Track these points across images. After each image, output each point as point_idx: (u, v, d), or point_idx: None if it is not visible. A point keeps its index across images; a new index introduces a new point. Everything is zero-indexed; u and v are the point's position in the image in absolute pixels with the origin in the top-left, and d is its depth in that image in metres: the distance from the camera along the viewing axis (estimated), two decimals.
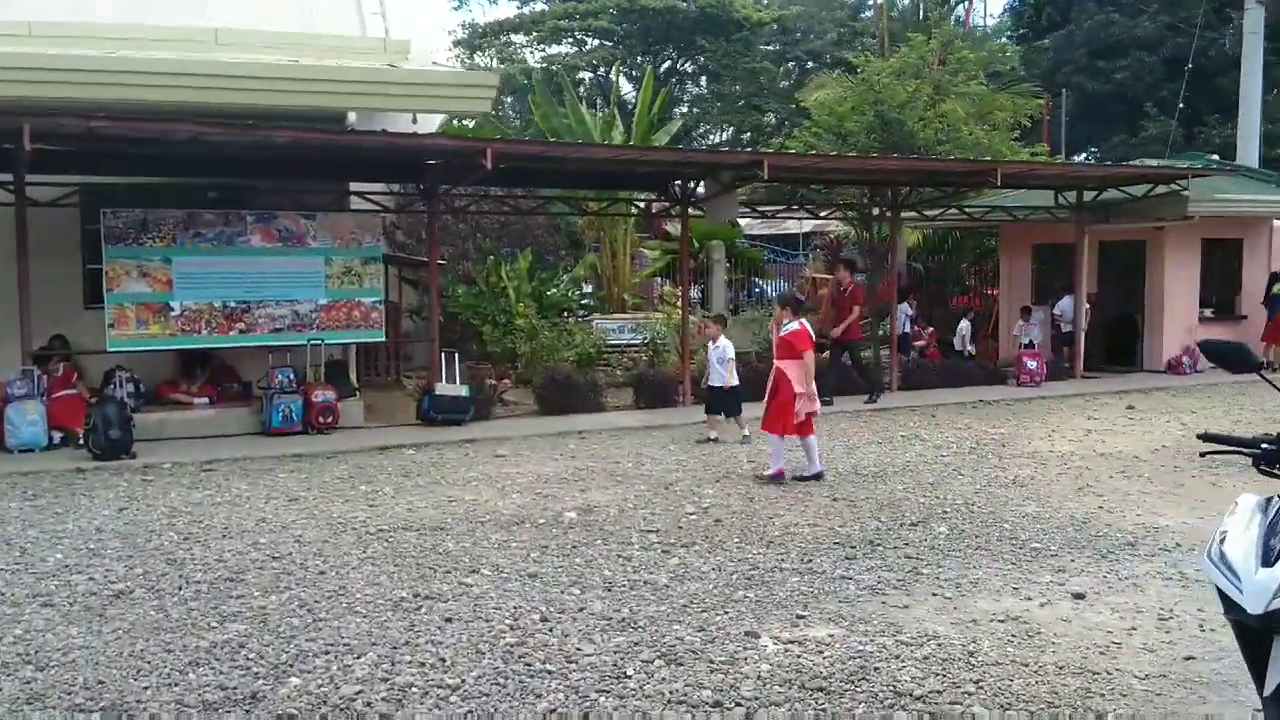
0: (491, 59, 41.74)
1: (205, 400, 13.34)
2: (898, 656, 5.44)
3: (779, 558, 7.26)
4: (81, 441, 11.45)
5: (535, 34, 41.69)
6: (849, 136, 18.53)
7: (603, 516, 8.53)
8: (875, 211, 18.23)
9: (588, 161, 15.01)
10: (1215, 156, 24.35)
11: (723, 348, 12.39)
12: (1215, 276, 19.74)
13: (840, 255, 18.46)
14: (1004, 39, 36.64)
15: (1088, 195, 18.28)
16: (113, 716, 4.83)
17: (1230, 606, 3.51)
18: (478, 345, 17.31)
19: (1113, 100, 34.94)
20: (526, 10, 44.88)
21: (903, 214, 18.19)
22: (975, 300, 24.26)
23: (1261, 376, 3.96)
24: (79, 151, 11.85)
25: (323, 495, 9.47)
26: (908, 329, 19.29)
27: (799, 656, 5.44)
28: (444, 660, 5.39)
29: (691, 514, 8.60)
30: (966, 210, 19.68)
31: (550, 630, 5.82)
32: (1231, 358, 3.99)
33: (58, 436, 11.88)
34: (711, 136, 43.33)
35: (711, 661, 5.36)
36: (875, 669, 5.28)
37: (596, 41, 41.69)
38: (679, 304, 17.34)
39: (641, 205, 18.82)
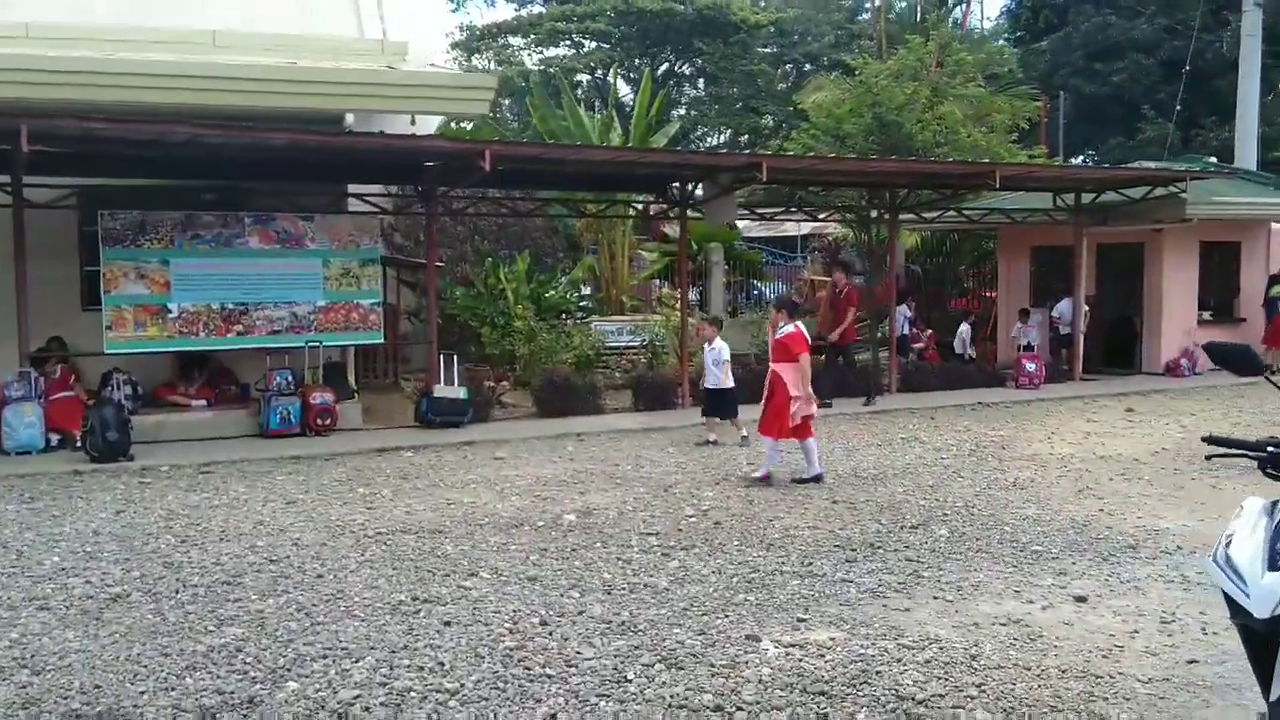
0: (489, 61, 41.72)
1: (203, 402, 13.31)
2: (899, 660, 5.41)
3: (779, 560, 7.23)
4: (79, 444, 11.41)
5: (533, 36, 41.69)
6: (847, 139, 18.52)
7: (602, 519, 8.50)
8: (873, 214, 18.22)
9: (586, 163, 14.99)
10: (1213, 159, 24.37)
11: (718, 349, 12.38)
12: (1213, 279, 19.73)
13: (836, 257, 18.43)
14: (1001, 41, 36.66)
15: (1086, 197, 18.27)
16: None
17: (1236, 610, 3.48)
18: (476, 347, 17.29)
19: (1110, 103, 34.98)
20: (524, 13, 44.87)
21: (901, 216, 18.19)
22: (973, 302, 24.25)
23: (1268, 379, 3.93)
24: (76, 153, 11.80)
25: (321, 498, 9.44)
26: (906, 331, 19.27)
27: (800, 660, 5.41)
28: (443, 664, 5.36)
29: (691, 516, 8.57)
30: (965, 212, 19.68)
31: (550, 634, 5.79)
32: (1236, 360, 3.97)
33: (55, 439, 11.84)
34: (709, 139, 43.33)
35: (712, 665, 5.33)
36: (877, 673, 5.25)
37: (594, 44, 41.69)
38: (677, 306, 17.32)
39: (640, 207, 18.79)
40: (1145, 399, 15.93)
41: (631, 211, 19.09)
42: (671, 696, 4.97)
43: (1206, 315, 19.54)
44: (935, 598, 6.43)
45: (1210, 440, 4.00)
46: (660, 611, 6.16)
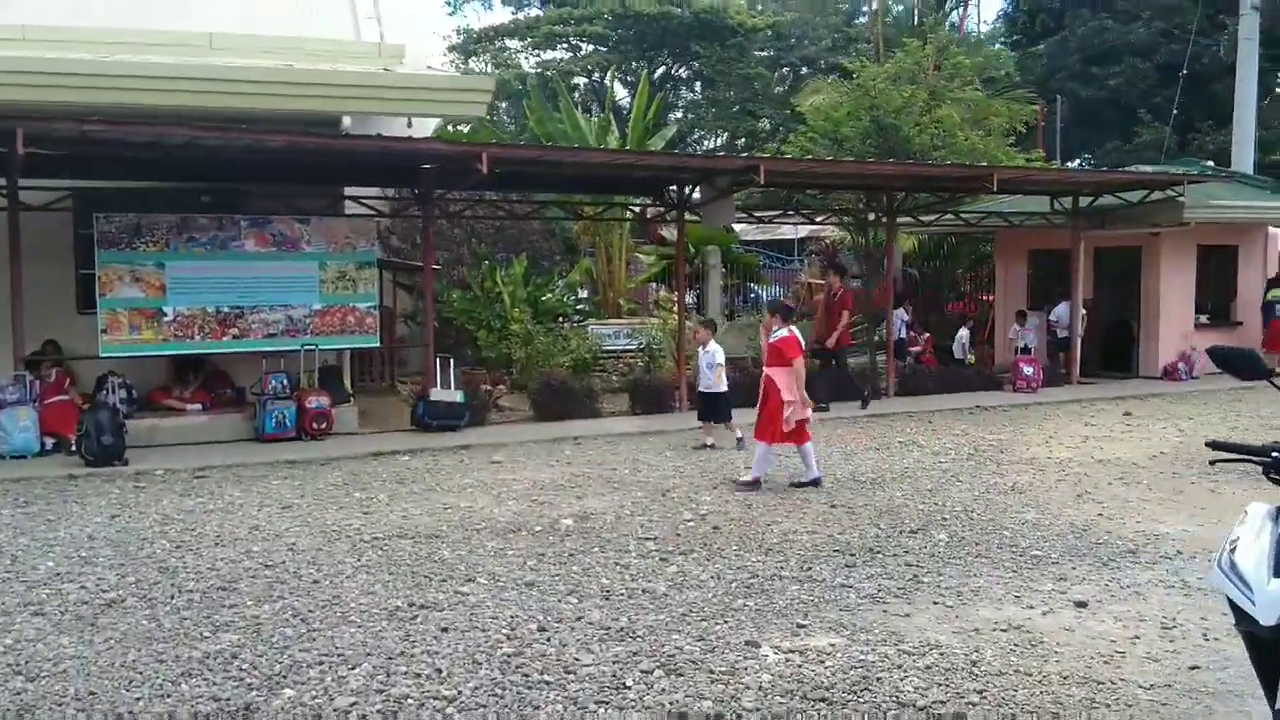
0: (486, 64, 41.70)
1: (198, 406, 13.25)
2: (900, 666, 5.38)
3: (778, 565, 7.20)
4: (74, 448, 11.37)
5: (530, 39, 41.70)
6: (845, 142, 18.50)
7: (600, 524, 8.46)
8: (871, 217, 18.21)
9: (584, 166, 14.96)
10: (1210, 163, 24.38)
11: (712, 352, 12.34)
12: (1211, 283, 19.73)
13: (833, 261, 18.41)
14: (998, 45, 36.69)
15: (1083, 201, 18.26)
16: None
17: (1241, 617, 3.45)
18: (473, 350, 17.24)
19: (1106, 106, 35.01)
20: (521, 16, 44.86)
21: (898, 219, 18.17)
22: (971, 306, 24.24)
23: (1272, 384, 3.90)
24: (72, 155, 11.76)
25: (316, 502, 9.40)
26: (904, 335, 19.25)
27: (800, 666, 5.37)
28: (440, 671, 5.32)
29: (689, 521, 8.54)
30: (962, 216, 19.66)
31: (548, 640, 5.76)
32: (1241, 365, 3.94)
33: (50, 443, 11.79)
34: (706, 142, 43.32)
35: (712, 672, 5.30)
36: (878, 679, 5.22)
37: (591, 47, 41.68)
38: (675, 309, 17.28)
39: (637, 210, 18.77)
40: (1143, 403, 15.91)
41: (629, 214, 19.05)
42: (671, 703, 4.94)
43: (1204, 319, 19.53)
44: (935, 603, 6.40)
45: (1214, 445, 3.97)
46: (659, 617, 6.12)
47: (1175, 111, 30.03)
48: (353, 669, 5.36)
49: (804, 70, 41.00)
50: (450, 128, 20.10)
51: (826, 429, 13.18)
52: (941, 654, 5.54)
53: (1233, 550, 3.56)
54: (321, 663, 5.44)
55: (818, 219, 19.82)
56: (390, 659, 5.49)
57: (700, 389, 12.55)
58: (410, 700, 4.98)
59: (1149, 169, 20.96)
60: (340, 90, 12.50)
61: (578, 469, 10.92)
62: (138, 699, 5.03)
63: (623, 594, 6.58)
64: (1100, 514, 8.72)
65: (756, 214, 19.28)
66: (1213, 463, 4.09)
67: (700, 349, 12.62)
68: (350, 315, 13.64)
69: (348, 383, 14.38)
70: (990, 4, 59.00)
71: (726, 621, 6.04)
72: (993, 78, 25.08)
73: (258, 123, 11.69)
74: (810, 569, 7.11)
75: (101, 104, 11.19)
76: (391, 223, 18.26)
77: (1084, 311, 18.61)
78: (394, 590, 6.69)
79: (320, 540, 8.01)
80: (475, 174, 12.31)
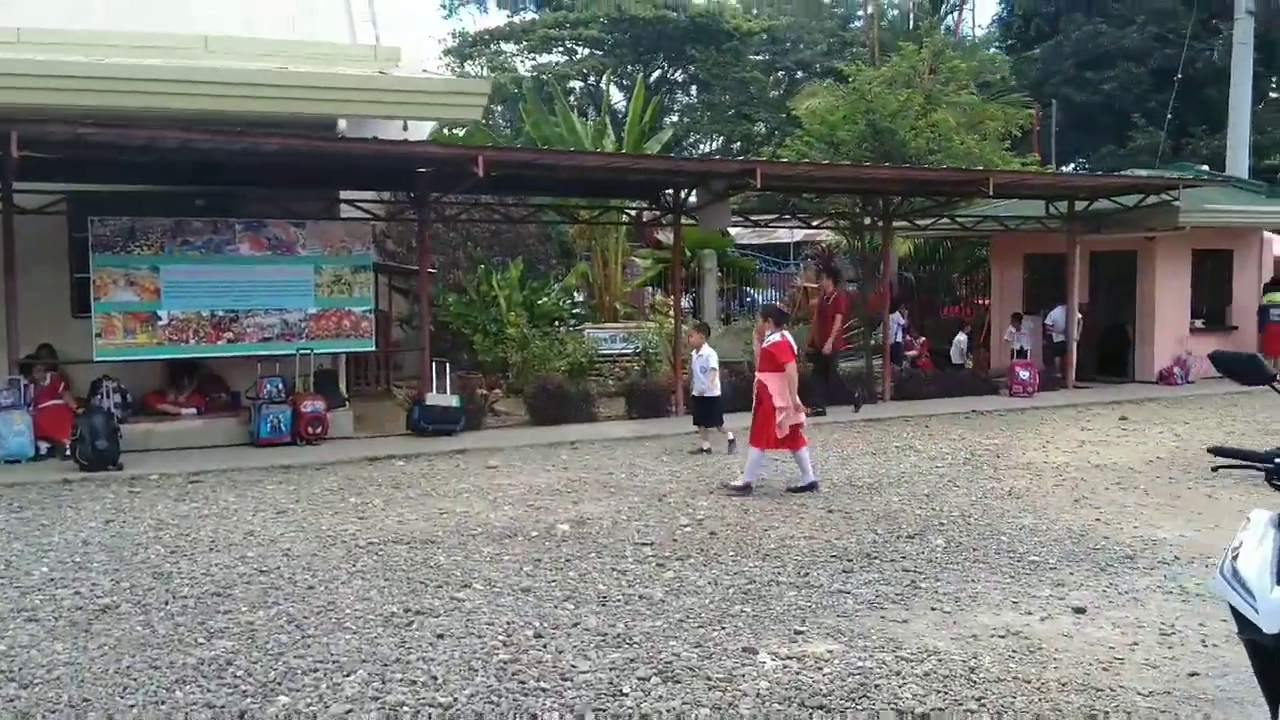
0: (482, 67, 41.73)
1: (193, 410, 13.21)
2: (898, 673, 5.36)
3: (775, 571, 7.17)
4: (68, 452, 11.33)
5: (525, 43, 41.71)
6: (841, 145, 18.52)
7: (596, 529, 8.43)
8: (867, 221, 18.20)
9: (580, 169, 14.94)
10: (1205, 167, 24.41)
11: (706, 356, 12.31)
12: (1206, 287, 19.74)
13: (827, 265, 18.38)
14: (992, 50, 36.74)
15: (1079, 205, 18.27)
16: None
17: (1244, 625, 3.42)
18: (469, 354, 17.21)
19: (1101, 111, 35.07)
20: (517, 19, 44.89)
21: (894, 223, 18.15)
22: (967, 310, 24.24)
23: (1274, 388, 3.88)
24: (67, 159, 11.73)
25: (311, 507, 9.36)
26: (900, 339, 19.25)
27: (798, 673, 5.35)
28: (436, 678, 5.29)
29: (686, 526, 8.51)
30: (958, 220, 19.66)
31: (544, 646, 5.73)
32: (1243, 370, 3.92)
33: (44, 447, 11.74)
34: (701, 146, 43.35)
35: (709, 679, 5.27)
36: (876, 686, 5.19)
37: (587, 50, 41.69)
38: (671, 313, 17.26)
39: (633, 214, 18.75)
40: (1139, 407, 15.91)
41: (625, 218, 19.03)
42: (668, 711, 4.91)
43: (1199, 323, 19.54)
44: (933, 609, 6.38)
45: (1216, 451, 3.95)
46: (656, 623, 6.10)
47: (1169, 116, 30.11)
48: (348, 676, 5.33)
49: (799, 74, 41.05)
50: (446, 131, 20.09)
51: (823, 434, 13.16)
52: (940, 660, 5.52)
53: (1235, 557, 3.53)
54: (316, 669, 5.41)
55: (813, 223, 19.80)
56: (386, 666, 5.46)
57: (694, 393, 12.53)
58: (406, 708, 4.95)
59: (1144, 173, 20.99)
60: (336, 93, 12.47)
61: (574, 474, 10.90)
62: (131, 706, 5.00)
63: (619, 600, 6.56)
64: (1097, 519, 8.71)
65: (752, 218, 19.27)
66: (1215, 469, 4.07)
67: (694, 353, 12.60)
68: (345, 319, 13.60)
69: (343, 387, 14.34)
70: (984, 8, 59.12)
71: (724, 628, 6.02)
72: (988, 82, 25.12)
73: (253, 126, 11.65)
74: (807, 575, 7.09)
75: (96, 107, 11.15)
76: (387, 226, 18.22)
77: (1079, 316, 18.61)
78: (389, 596, 6.65)
79: (315, 546, 7.97)
80: (471, 177, 12.29)
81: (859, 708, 4.95)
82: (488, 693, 5.11)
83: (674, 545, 7.90)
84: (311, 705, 4.98)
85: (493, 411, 14.79)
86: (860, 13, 43.29)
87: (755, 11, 43.23)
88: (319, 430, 12.70)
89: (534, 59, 42.73)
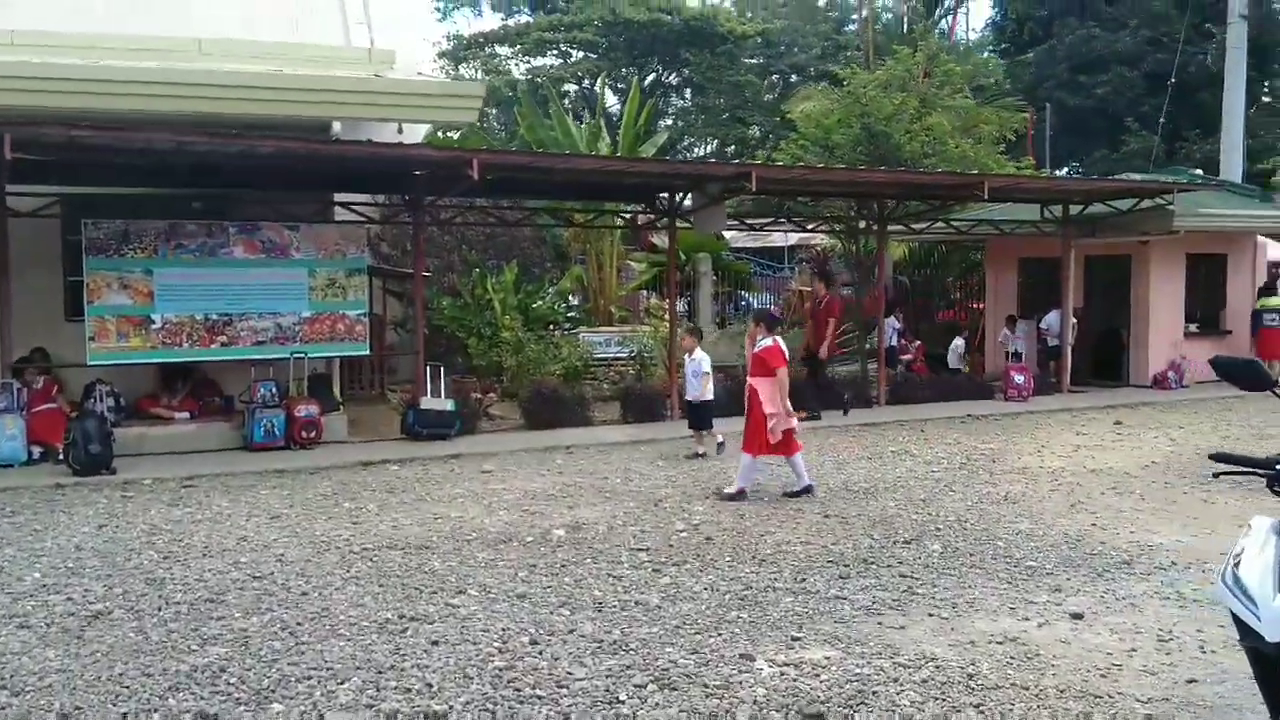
0: (476, 71, 41.71)
1: (186, 415, 13.16)
2: (896, 679, 5.33)
3: (772, 577, 7.15)
4: (61, 457, 11.27)
5: (520, 46, 41.68)
6: (835, 149, 18.50)
7: (592, 534, 8.40)
8: (862, 224, 18.19)
9: (575, 172, 14.91)
10: (1199, 171, 24.43)
11: (698, 361, 12.24)
12: (1200, 291, 19.75)
13: (821, 268, 18.36)
14: (986, 53, 36.80)
15: (1074, 209, 18.28)
16: None
17: (1246, 633, 3.40)
18: (463, 358, 17.18)
19: (1094, 115, 35.13)
20: (511, 22, 44.89)
21: (889, 227, 18.15)
22: (961, 314, 24.25)
23: (1274, 394, 3.86)
24: (61, 161, 11.68)
25: (305, 512, 9.32)
26: (895, 343, 19.24)
27: (795, 680, 5.32)
28: (430, 685, 5.26)
29: (682, 531, 8.48)
30: (953, 224, 19.67)
31: (540, 653, 5.70)
32: (1244, 375, 3.89)
33: (37, 451, 11.69)
34: (696, 149, 43.35)
35: (706, 686, 5.24)
36: (874, 693, 5.17)
37: (581, 54, 41.69)
38: (666, 317, 17.24)
39: (628, 217, 18.73)
40: (1133, 411, 15.91)
41: (620, 221, 19.01)
42: (665, 718, 4.88)
43: (1193, 327, 19.55)
44: (930, 615, 6.36)
45: (1217, 458, 3.92)
46: (652, 630, 6.07)
47: (1163, 120, 30.14)
48: (342, 683, 5.29)
49: (794, 78, 41.08)
50: (440, 134, 20.05)
51: (818, 438, 13.15)
52: (937, 667, 5.49)
53: (1236, 564, 3.51)
54: (310, 677, 5.38)
55: (809, 226, 19.79)
56: (380, 673, 5.42)
57: (688, 398, 12.48)
58: (401, 715, 4.92)
59: (1138, 177, 21.00)
60: (330, 95, 12.45)
61: (569, 478, 10.86)
62: (124, 714, 4.96)
63: (615, 606, 6.52)
64: (1094, 524, 8.69)
65: (748, 221, 19.26)
66: (1216, 475, 4.05)
67: (686, 357, 12.56)
68: (340, 323, 13.57)
69: (337, 391, 14.30)
70: (978, 12, 59.29)
71: (720, 634, 5.99)
72: (982, 86, 25.13)
73: (248, 128, 11.63)
74: (804, 580, 7.06)
75: (90, 109, 11.12)
76: (381, 229, 18.18)
77: (1074, 320, 18.62)
78: (384, 602, 6.62)
79: (309, 551, 7.93)
80: (466, 180, 12.25)
81: (857, 715, 4.93)
82: (483, 700, 5.07)
83: (670, 551, 7.87)
84: (305, 713, 4.95)
85: (487, 416, 14.75)
86: (854, 16, 43.38)
87: (750, 15, 43.25)
88: (313, 434, 12.66)
89: (528, 62, 42.72)
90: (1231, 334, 19.89)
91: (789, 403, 9.76)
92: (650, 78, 41.75)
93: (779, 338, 10.01)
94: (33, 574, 7.34)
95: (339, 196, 14.49)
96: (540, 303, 19.10)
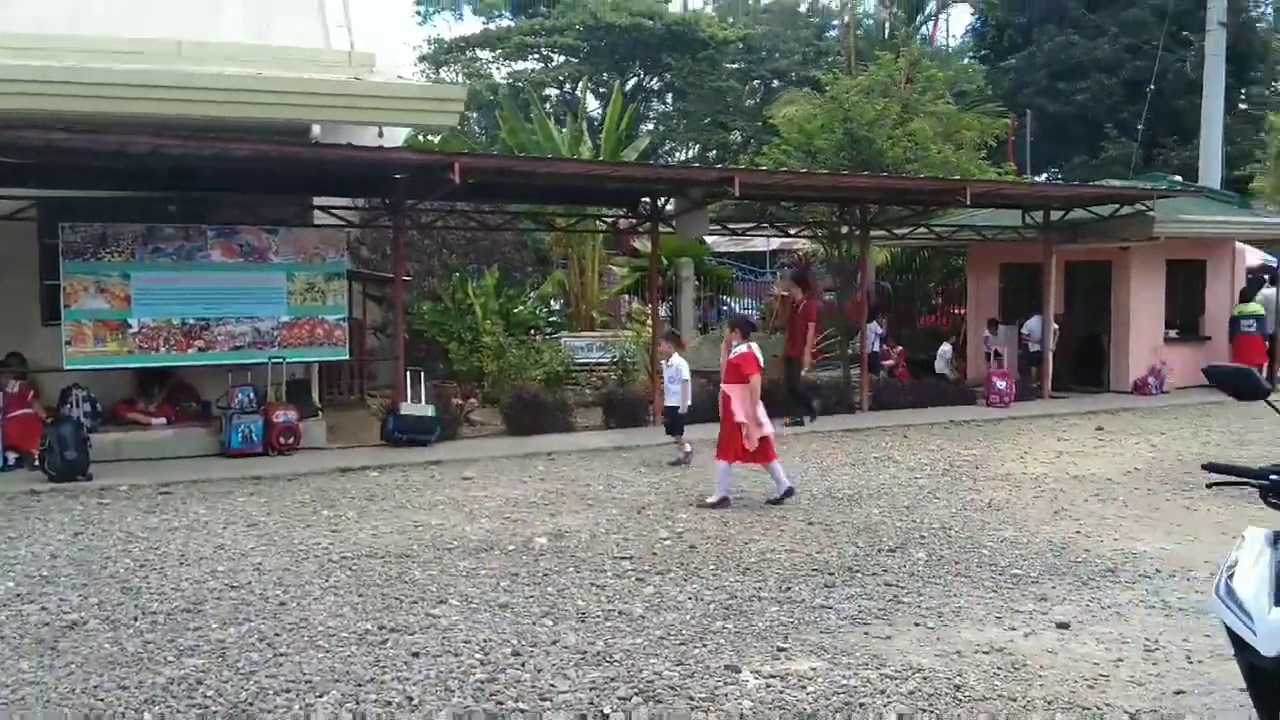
0: (457, 74, 41.57)
1: (163, 420, 13.01)
2: (883, 691, 5.28)
3: (757, 586, 7.09)
4: (36, 463, 11.12)
5: (501, 50, 41.59)
6: (818, 154, 18.46)
7: (574, 542, 8.32)
8: (844, 230, 18.18)
9: (557, 177, 14.84)
10: (1178, 177, 24.54)
11: (676, 367, 12.13)
12: (1179, 297, 19.82)
13: (798, 273, 18.30)
14: (966, 59, 36.94)
15: (1055, 215, 18.31)
16: None
17: (1241, 647, 3.36)
18: (444, 363, 17.07)
19: (1074, 121, 35.32)
20: (492, 26, 44.78)
21: (872, 232, 18.14)
22: (943, 320, 24.29)
23: (1268, 404, 3.82)
24: (38, 164, 11.54)
25: (283, 520, 9.21)
26: (877, 348, 19.24)
27: (781, 692, 5.26)
28: (411, 699, 5.17)
29: (665, 539, 8.41)
30: (935, 229, 19.68)
31: (522, 665, 5.62)
32: (1238, 384, 3.85)
33: (12, 457, 11.56)
34: (677, 154, 43.36)
35: (691, 698, 5.18)
36: (861, 704, 5.12)
37: (563, 58, 41.63)
38: (648, 321, 17.17)
39: (610, 222, 18.66)
40: (1115, 417, 15.94)
41: (602, 226, 18.94)
42: None
43: (1173, 333, 19.62)
44: (916, 624, 6.31)
45: (1211, 468, 3.89)
46: (636, 640, 6.00)
47: (1141, 127, 30.31)
48: (320, 696, 5.20)
49: (775, 83, 41.13)
50: (421, 138, 19.94)
51: (801, 444, 13.12)
52: (925, 678, 5.44)
53: (1230, 576, 3.47)
54: (289, 689, 5.29)
55: (791, 231, 19.77)
56: (359, 685, 5.33)
57: (667, 404, 12.39)
58: None
59: (1117, 183, 21.08)
60: (310, 98, 12.32)
61: (551, 485, 10.78)
62: None
63: (599, 616, 6.45)
64: (1078, 531, 8.67)
65: (730, 226, 19.21)
66: (1210, 485, 4.01)
67: (664, 363, 12.47)
68: (319, 327, 13.45)
69: (316, 396, 14.17)
70: (958, 18, 59.49)
71: (705, 645, 5.93)
72: (964, 91, 25.19)
73: (228, 131, 11.51)
74: (789, 589, 7.00)
75: (68, 112, 10.99)
76: (361, 233, 18.06)
77: (1055, 326, 18.66)
78: (363, 613, 6.52)
79: (287, 560, 7.83)
80: (447, 184, 12.17)
81: None
82: (465, 713, 4.99)
83: (654, 559, 7.80)
84: None
85: (468, 421, 14.65)
86: (835, 22, 43.48)
87: (731, 20, 43.31)
88: (291, 440, 12.54)
89: (510, 66, 42.63)
90: (1211, 340, 19.96)
91: (762, 410, 9.68)
92: (632, 82, 41.74)
93: (754, 344, 9.93)
94: (6, 583, 7.22)
95: (318, 200, 14.38)
96: (522, 307, 19.01)
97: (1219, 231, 19.75)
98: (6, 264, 12.42)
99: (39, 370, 12.71)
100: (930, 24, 39.41)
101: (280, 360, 13.14)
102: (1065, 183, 29.33)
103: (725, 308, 26.86)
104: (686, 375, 12.11)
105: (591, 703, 5.12)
